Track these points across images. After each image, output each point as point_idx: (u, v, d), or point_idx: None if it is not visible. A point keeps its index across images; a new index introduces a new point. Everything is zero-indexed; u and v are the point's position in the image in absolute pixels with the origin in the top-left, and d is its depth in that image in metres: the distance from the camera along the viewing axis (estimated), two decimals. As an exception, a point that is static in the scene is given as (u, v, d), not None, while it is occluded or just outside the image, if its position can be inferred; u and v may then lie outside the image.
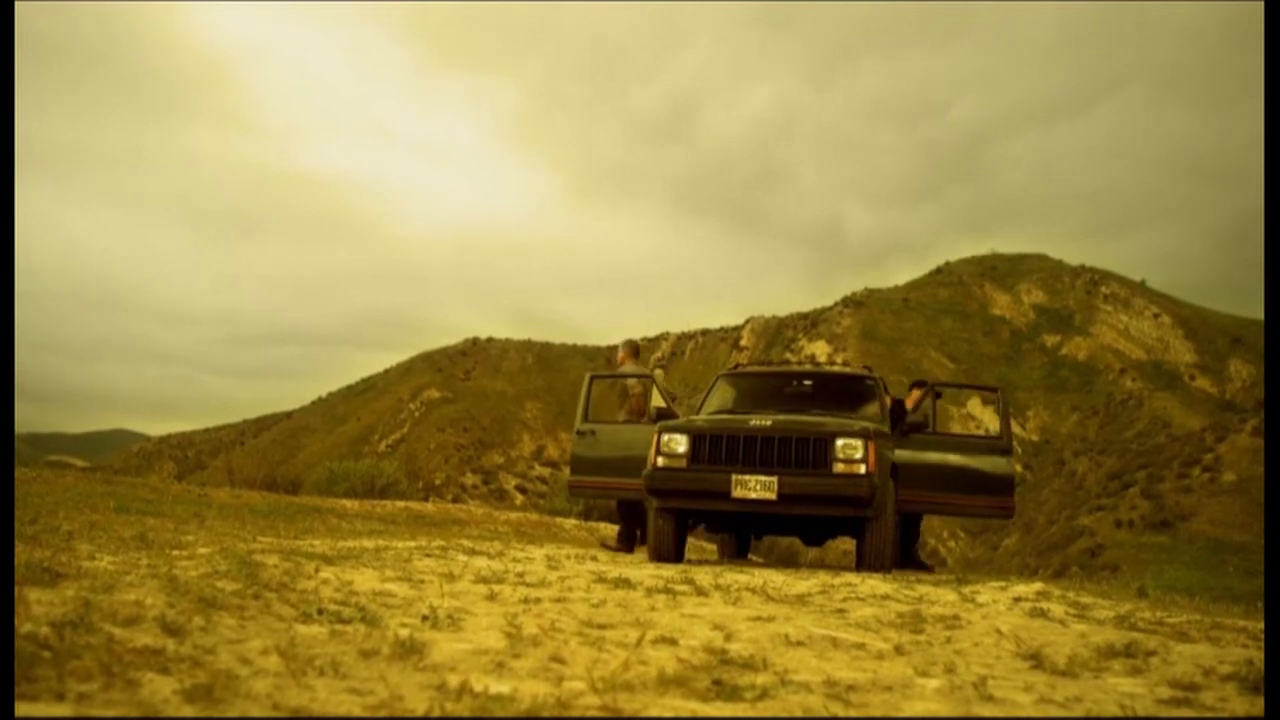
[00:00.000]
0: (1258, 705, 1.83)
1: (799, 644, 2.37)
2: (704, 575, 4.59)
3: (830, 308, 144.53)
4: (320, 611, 2.31)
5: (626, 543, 8.08)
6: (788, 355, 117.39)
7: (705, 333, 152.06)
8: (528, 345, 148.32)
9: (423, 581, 3.26)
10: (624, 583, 3.80)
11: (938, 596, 3.99)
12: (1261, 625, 3.20)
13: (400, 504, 12.14)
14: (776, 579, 4.69)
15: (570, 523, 13.93)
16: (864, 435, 6.08)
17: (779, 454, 6.10)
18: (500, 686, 1.66)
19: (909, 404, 8.30)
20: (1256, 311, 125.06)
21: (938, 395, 8.39)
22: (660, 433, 6.42)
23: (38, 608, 1.85)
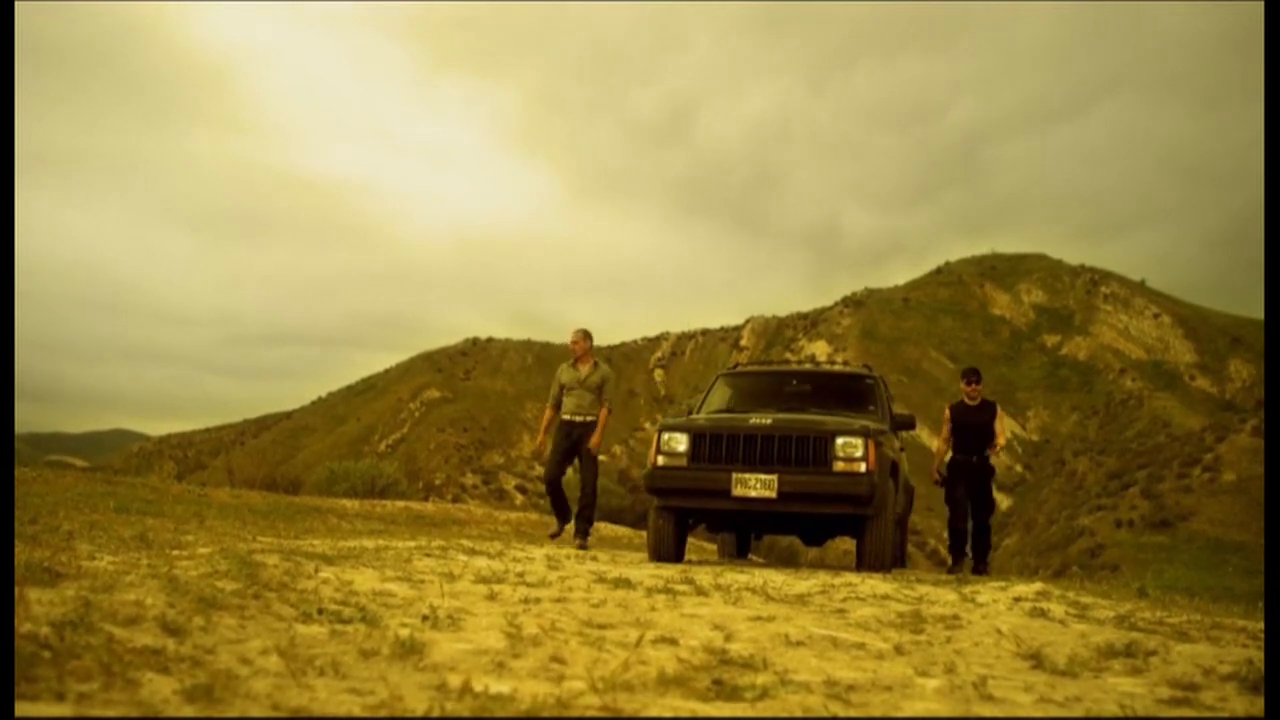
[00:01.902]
0: (1257, 705, 1.83)
1: (799, 644, 2.37)
2: (704, 575, 4.60)
3: (830, 308, 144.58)
4: (320, 611, 2.31)
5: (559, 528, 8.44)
6: (788, 355, 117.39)
7: (705, 332, 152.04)
8: (528, 345, 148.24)
9: (423, 581, 3.26)
10: (624, 583, 3.80)
11: (938, 596, 3.99)
12: (1261, 625, 3.20)
13: (400, 504, 12.14)
14: (776, 579, 4.69)
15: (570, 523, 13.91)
16: (864, 434, 6.08)
17: (779, 452, 6.10)
18: (500, 686, 1.66)
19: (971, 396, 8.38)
20: (1252, 312, 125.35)
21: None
22: (660, 431, 6.42)
23: (38, 607, 1.85)
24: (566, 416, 8.06)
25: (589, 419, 8.02)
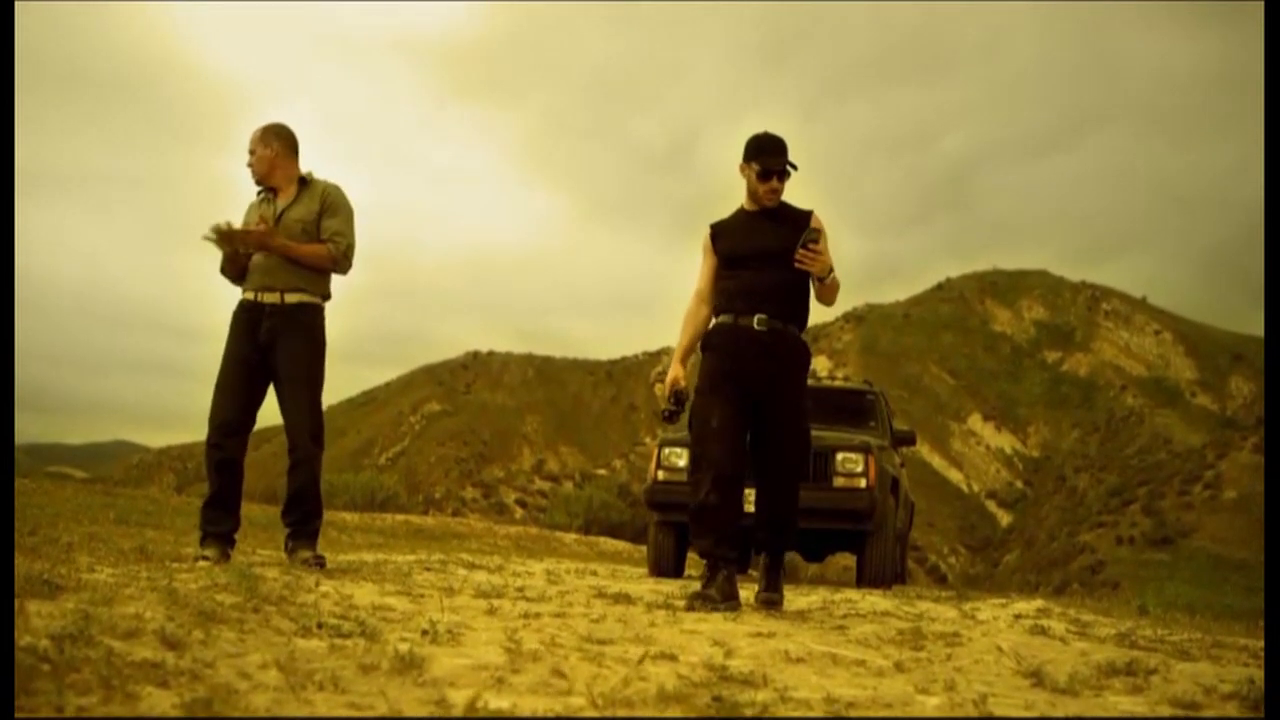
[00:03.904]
0: (1259, 724, 1.83)
1: (799, 660, 2.36)
2: (704, 590, 4.58)
3: (830, 323, 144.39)
4: (320, 625, 2.31)
5: None
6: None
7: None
8: (528, 359, 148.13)
9: (422, 595, 3.26)
10: (624, 598, 3.79)
11: (938, 613, 3.98)
12: (1262, 643, 3.19)
13: (400, 517, 12.13)
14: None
15: (570, 537, 13.91)
16: (864, 449, 6.08)
17: None
18: (500, 702, 1.65)
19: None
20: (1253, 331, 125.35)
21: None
22: (661, 446, 6.43)
23: (37, 620, 1.85)
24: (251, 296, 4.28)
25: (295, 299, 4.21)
